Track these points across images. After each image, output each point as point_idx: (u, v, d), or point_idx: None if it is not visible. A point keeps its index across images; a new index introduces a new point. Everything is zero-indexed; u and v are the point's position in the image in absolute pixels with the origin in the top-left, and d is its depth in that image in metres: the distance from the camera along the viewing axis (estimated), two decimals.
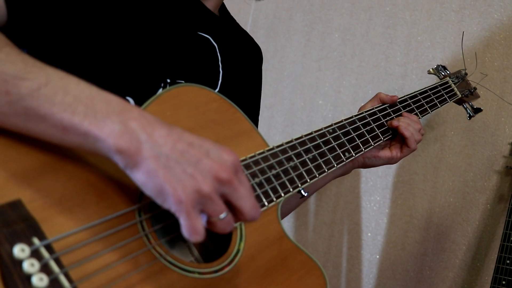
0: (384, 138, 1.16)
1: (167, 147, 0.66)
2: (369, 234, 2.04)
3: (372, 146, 1.12)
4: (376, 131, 1.15)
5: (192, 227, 0.66)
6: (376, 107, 1.19)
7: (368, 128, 1.13)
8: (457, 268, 1.89)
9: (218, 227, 0.69)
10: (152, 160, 0.65)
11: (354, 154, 1.06)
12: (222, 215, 0.68)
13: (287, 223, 2.18)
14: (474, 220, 1.88)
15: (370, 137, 1.12)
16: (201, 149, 0.68)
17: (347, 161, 1.05)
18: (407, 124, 1.17)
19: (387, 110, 1.20)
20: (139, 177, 0.66)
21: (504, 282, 1.61)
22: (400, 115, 1.21)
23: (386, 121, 1.18)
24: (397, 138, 1.21)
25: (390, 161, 1.22)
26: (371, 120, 1.15)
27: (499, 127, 1.86)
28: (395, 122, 1.17)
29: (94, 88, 0.68)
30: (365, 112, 1.15)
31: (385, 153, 1.21)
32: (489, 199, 1.86)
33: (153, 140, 0.66)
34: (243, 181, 0.70)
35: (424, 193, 1.95)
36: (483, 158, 1.88)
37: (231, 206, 0.70)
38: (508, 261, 1.62)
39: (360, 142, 1.09)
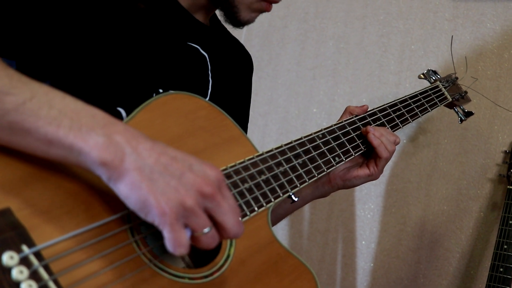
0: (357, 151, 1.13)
1: (151, 160, 0.66)
2: (363, 242, 2.04)
3: (363, 151, 1.13)
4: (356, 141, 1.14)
5: (176, 240, 0.65)
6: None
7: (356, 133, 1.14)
8: (451, 276, 1.89)
9: (203, 242, 0.69)
10: (136, 172, 0.65)
11: (344, 159, 1.07)
12: (206, 230, 0.68)
13: (282, 231, 2.18)
14: (467, 228, 1.88)
15: (360, 142, 1.13)
16: (185, 163, 0.68)
17: (337, 165, 1.05)
18: (379, 134, 1.13)
19: (367, 119, 1.18)
20: (123, 189, 0.66)
21: None
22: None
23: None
24: (371, 154, 1.18)
25: (370, 177, 1.19)
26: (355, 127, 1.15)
27: (492, 135, 1.86)
28: (364, 130, 1.14)
29: (79, 102, 0.69)
30: (355, 117, 1.16)
31: (364, 171, 1.17)
32: (483, 207, 1.86)
33: (137, 153, 0.66)
34: (227, 197, 0.70)
35: (417, 201, 1.96)
36: (476, 166, 1.88)
37: (214, 222, 0.70)
38: (501, 269, 1.62)
39: (351, 147, 1.10)
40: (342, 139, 1.09)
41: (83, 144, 0.65)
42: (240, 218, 0.72)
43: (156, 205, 0.64)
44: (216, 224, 0.70)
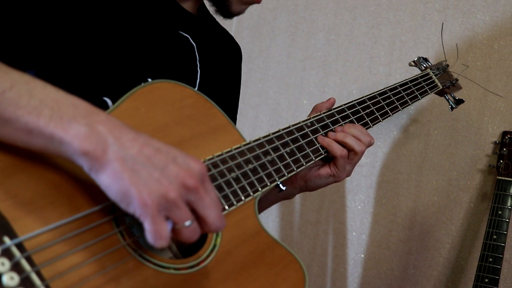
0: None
1: (134, 151, 0.65)
2: (353, 233, 2.04)
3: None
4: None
5: (156, 232, 0.64)
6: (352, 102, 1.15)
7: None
8: (441, 266, 1.89)
9: (184, 235, 0.68)
10: (118, 162, 0.64)
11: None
12: (188, 223, 0.67)
13: (272, 223, 2.18)
14: (457, 218, 1.89)
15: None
16: (168, 155, 0.67)
17: (325, 154, 1.05)
18: (343, 135, 1.08)
19: (357, 106, 1.15)
20: (104, 180, 0.64)
21: (486, 280, 1.62)
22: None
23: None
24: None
25: (332, 178, 1.12)
26: (351, 112, 1.14)
27: (482, 126, 1.87)
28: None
29: (61, 92, 0.68)
30: (345, 105, 1.14)
31: (325, 170, 1.11)
32: (473, 198, 1.87)
33: (120, 143, 0.65)
34: (209, 190, 0.69)
35: (408, 192, 1.96)
36: (466, 157, 1.89)
37: (196, 215, 0.69)
38: (490, 259, 1.63)
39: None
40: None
41: (63, 134, 0.64)
42: (222, 213, 0.71)
43: (137, 197, 0.63)
44: (198, 217, 0.69)
